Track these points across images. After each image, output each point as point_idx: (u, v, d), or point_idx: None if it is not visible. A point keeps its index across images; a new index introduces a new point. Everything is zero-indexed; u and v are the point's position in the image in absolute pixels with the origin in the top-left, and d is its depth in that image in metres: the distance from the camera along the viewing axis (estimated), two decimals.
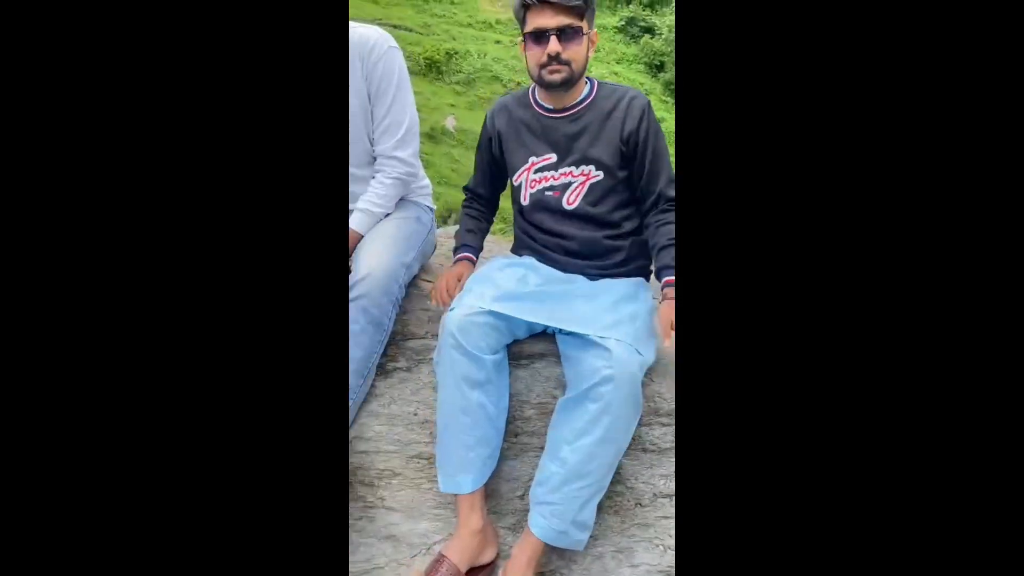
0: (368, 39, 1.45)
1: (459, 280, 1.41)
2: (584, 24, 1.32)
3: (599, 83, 1.44)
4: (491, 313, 1.24)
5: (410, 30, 14.77)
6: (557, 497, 1.20)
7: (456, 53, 15.39)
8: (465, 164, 11.71)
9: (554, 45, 1.29)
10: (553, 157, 1.41)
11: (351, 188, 1.57)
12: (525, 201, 1.45)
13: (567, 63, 1.31)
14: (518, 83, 15.08)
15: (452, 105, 13.53)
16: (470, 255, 1.51)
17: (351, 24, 1.48)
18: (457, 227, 1.62)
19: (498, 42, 16.80)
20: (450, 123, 12.39)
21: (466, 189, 1.62)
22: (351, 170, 1.55)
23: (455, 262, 1.50)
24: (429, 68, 16.56)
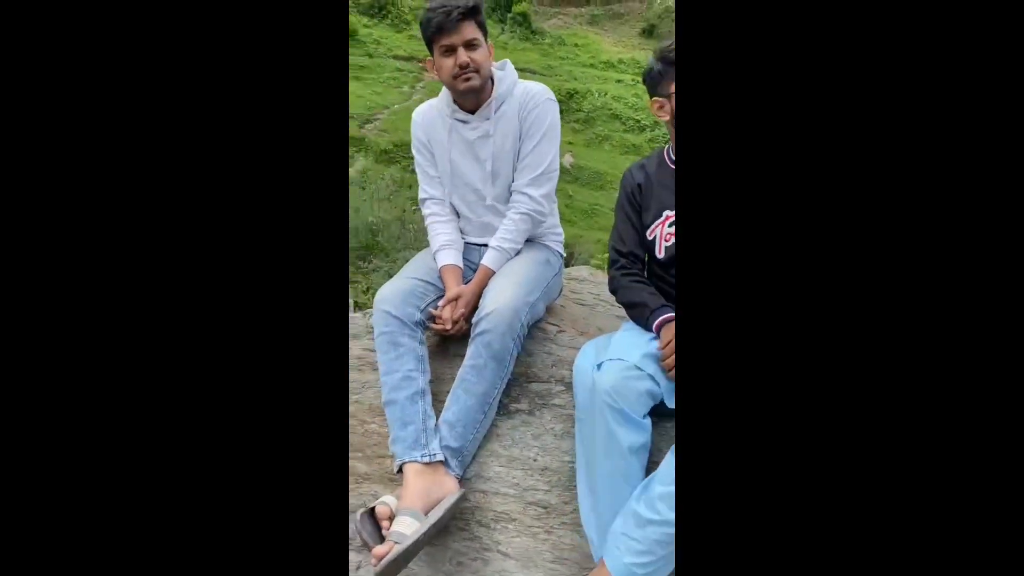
0: (531, 90, 1.55)
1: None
2: None
3: None
4: (644, 375, 1.21)
5: (533, 72, 15.27)
6: (639, 535, 1.17)
7: (576, 93, 15.64)
8: (579, 199, 11.75)
9: None
10: None
11: (491, 220, 1.62)
12: (660, 255, 1.41)
13: None
14: (637, 121, 14.99)
15: (570, 143, 13.71)
16: (671, 315, 1.32)
17: (519, 81, 1.57)
18: (605, 278, 1.54)
19: (619, 81, 16.84)
20: (568, 160, 12.56)
21: (620, 253, 1.49)
22: (496, 205, 1.59)
23: (662, 323, 1.31)
24: None
